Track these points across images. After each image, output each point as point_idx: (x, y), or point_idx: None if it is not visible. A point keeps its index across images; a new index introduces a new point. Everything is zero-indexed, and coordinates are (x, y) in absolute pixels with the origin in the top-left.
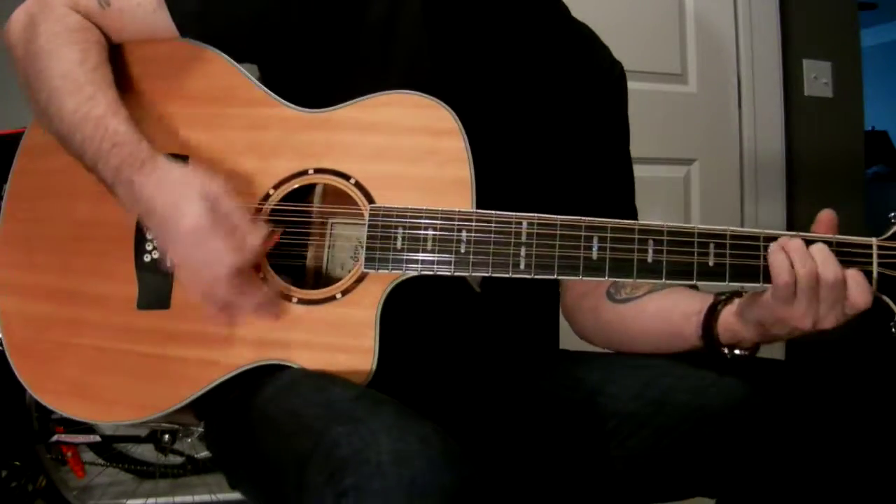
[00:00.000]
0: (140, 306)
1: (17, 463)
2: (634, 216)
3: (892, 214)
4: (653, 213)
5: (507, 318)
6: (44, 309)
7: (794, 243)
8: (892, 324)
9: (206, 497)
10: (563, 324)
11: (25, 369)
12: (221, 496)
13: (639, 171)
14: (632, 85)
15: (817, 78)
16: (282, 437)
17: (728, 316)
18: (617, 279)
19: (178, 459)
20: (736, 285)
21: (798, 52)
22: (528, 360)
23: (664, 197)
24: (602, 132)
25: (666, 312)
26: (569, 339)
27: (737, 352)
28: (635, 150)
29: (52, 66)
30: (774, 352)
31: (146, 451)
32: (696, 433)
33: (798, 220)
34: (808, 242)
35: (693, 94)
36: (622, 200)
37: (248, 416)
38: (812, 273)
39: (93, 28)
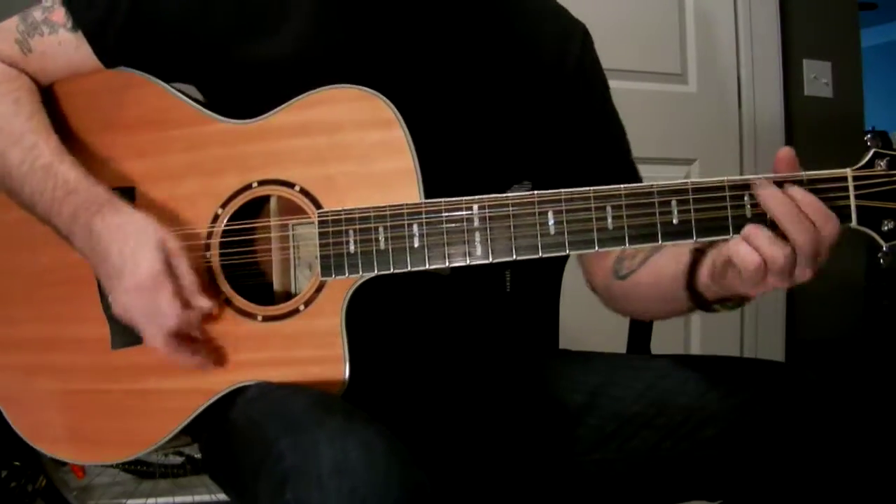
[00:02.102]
0: (114, 346)
1: (17, 463)
2: (633, 174)
3: (868, 136)
4: None
5: (484, 300)
6: (26, 359)
7: (752, 231)
8: (879, 255)
9: (206, 497)
10: (564, 323)
11: (19, 420)
12: (221, 496)
13: (639, 170)
14: (632, 85)
15: (817, 78)
16: (243, 447)
17: (705, 279)
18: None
19: (178, 459)
20: (706, 241)
21: (798, 52)
22: (523, 354)
23: None
24: (564, 102)
25: (656, 281)
26: (569, 340)
27: (727, 303)
28: (636, 150)
29: None
30: (775, 352)
31: None
32: (698, 435)
33: None
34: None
35: (693, 94)
36: (614, 164)
37: (223, 428)
38: (786, 256)
39: (20, 75)
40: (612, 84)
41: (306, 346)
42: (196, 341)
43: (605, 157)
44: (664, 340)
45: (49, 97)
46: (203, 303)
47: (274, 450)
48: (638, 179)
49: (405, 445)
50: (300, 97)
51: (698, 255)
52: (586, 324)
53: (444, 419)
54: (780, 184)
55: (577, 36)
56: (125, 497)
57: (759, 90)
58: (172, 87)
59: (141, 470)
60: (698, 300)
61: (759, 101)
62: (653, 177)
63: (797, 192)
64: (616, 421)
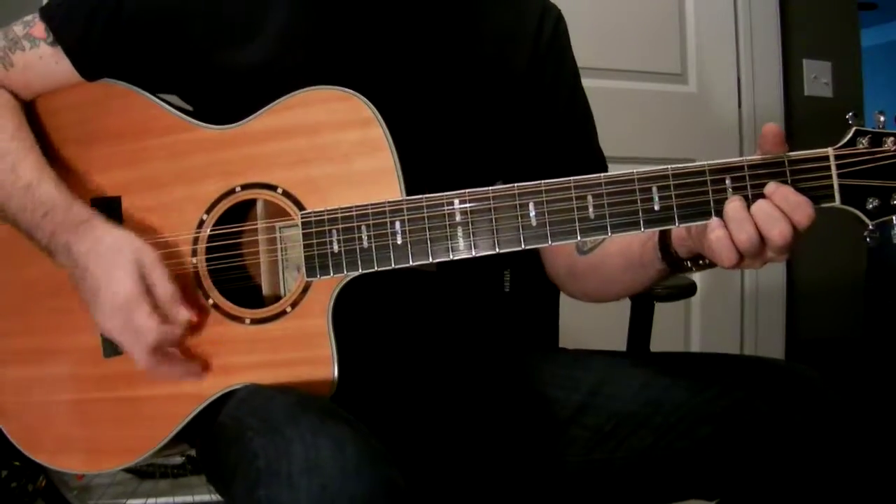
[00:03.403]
0: (106, 354)
1: (17, 463)
2: (600, 161)
3: (850, 115)
4: None
5: (477, 297)
6: (20, 372)
7: (730, 208)
8: (865, 234)
9: (206, 497)
10: (564, 322)
11: (16, 433)
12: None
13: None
14: (632, 85)
15: (817, 78)
16: (225, 447)
17: (679, 231)
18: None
19: (178, 459)
20: (689, 225)
21: (798, 52)
22: (520, 353)
23: None
24: (535, 88)
25: (625, 247)
26: (569, 339)
27: (701, 262)
28: (636, 150)
29: None
30: (774, 352)
31: None
32: (695, 434)
33: None
34: (753, 198)
35: (693, 94)
36: (580, 150)
37: (212, 433)
38: (753, 239)
39: (1, 91)
40: (612, 84)
41: (295, 347)
42: (178, 354)
43: (570, 141)
44: (664, 340)
45: (32, 113)
46: (182, 315)
47: (249, 449)
48: (603, 166)
49: (395, 445)
50: (280, 100)
51: None
52: (586, 324)
53: (437, 418)
54: (760, 167)
55: (551, 20)
56: (125, 497)
57: (759, 90)
58: (156, 96)
59: (141, 470)
60: (671, 259)
61: (759, 101)
62: None
63: (770, 187)
64: (613, 420)
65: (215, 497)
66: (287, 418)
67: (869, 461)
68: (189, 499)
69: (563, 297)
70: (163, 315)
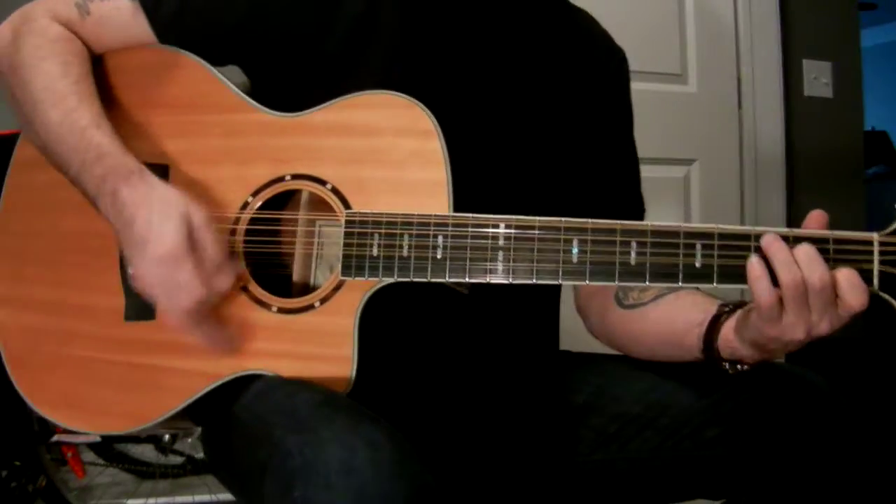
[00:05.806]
0: (127, 318)
1: (17, 463)
2: (640, 206)
3: None
4: (653, 213)
5: (500, 321)
6: (38, 321)
7: (774, 248)
8: None
9: (206, 497)
10: (564, 324)
11: (23, 380)
12: (221, 496)
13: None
14: (632, 85)
15: (817, 78)
16: (248, 443)
17: (727, 332)
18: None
19: (178, 459)
20: (725, 287)
21: (798, 52)
22: (527, 362)
23: (664, 197)
24: (598, 126)
25: (668, 321)
26: (569, 340)
27: (739, 367)
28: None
29: (34, 78)
30: None
31: (146, 451)
32: (700, 435)
33: (798, 221)
34: (796, 240)
35: (693, 94)
36: (625, 193)
37: (227, 422)
38: (798, 281)
39: (74, 39)
40: None
41: (317, 342)
42: (210, 320)
43: (618, 179)
44: None
45: (98, 68)
46: (222, 283)
47: (281, 448)
48: (642, 212)
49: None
50: (343, 97)
51: (726, 308)
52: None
53: (447, 422)
54: (805, 240)
55: (617, 58)
56: (125, 497)
57: (759, 90)
58: (219, 70)
59: (141, 470)
60: (710, 354)
61: (759, 101)
62: (653, 176)
63: (800, 252)
64: (618, 421)
65: (215, 497)
66: (319, 418)
67: (873, 463)
68: (189, 499)
69: (563, 299)
70: (204, 278)
